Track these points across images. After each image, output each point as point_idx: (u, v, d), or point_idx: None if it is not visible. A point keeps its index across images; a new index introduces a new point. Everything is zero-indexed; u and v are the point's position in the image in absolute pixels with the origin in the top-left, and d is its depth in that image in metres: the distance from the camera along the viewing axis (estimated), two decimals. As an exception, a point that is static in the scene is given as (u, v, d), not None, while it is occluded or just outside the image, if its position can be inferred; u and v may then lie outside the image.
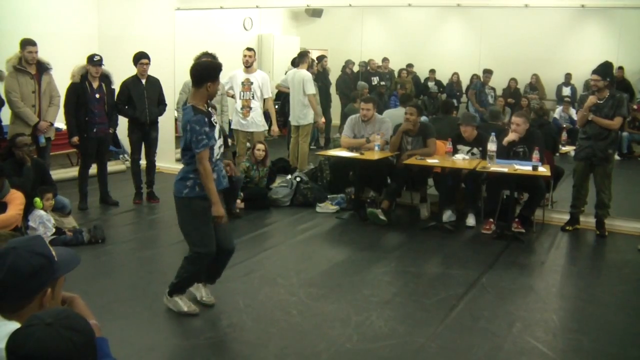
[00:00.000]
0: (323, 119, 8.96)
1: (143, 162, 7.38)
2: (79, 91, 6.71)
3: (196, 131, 3.92)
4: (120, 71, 7.26)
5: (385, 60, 12.86)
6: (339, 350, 3.77)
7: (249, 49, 7.95)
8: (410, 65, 13.34)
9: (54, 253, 1.88)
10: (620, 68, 11.40)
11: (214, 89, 4.07)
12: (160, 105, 7.31)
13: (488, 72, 11.59)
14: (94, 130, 6.83)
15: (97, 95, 6.81)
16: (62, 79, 6.93)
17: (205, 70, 4.10)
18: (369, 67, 12.63)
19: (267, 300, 4.54)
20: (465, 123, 6.83)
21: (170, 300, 4.29)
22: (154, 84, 7.23)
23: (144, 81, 7.12)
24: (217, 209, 4.02)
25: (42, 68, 6.74)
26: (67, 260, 1.94)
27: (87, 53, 6.91)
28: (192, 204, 4.07)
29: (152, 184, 7.45)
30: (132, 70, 7.14)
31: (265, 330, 4.08)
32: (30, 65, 6.61)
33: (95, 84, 6.80)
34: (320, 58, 11.46)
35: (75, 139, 6.82)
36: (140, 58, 7.06)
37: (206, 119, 4.00)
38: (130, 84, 7.08)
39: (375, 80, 11.93)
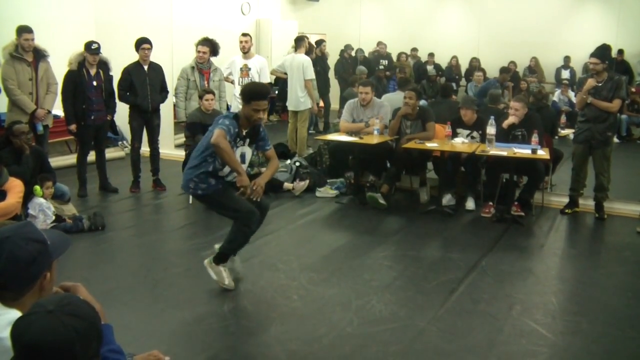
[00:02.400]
0: (322, 103, 8.93)
1: (144, 149, 7.34)
2: (76, 79, 6.66)
3: (223, 124, 4.08)
4: (118, 57, 7.20)
5: (380, 44, 12.83)
6: (339, 335, 3.79)
7: (244, 35, 7.90)
8: (414, 50, 13.30)
9: (46, 237, 1.88)
10: (620, 52, 11.37)
11: (246, 110, 4.18)
12: (163, 92, 7.24)
13: (505, 72, 11.34)
14: (92, 118, 6.79)
15: (95, 83, 6.77)
16: (59, 66, 6.89)
17: (245, 92, 4.27)
18: (377, 52, 12.63)
19: (268, 285, 4.56)
20: (466, 107, 6.81)
21: (215, 267, 4.38)
22: (157, 71, 7.14)
23: (146, 67, 7.03)
24: (240, 180, 4.12)
25: (39, 55, 6.69)
26: (59, 243, 1.93)
27: (83, 39, 6.85)
28: (207, 197, 4.32)
29: (157, 171, 7.38)
30: (130, 56, 7.08)
31: (266, 315, 4.10)
32: (26, 52, 6.56)
33: (92, 71, 6.75)
34: (319, 42, 11.42)
35: (73, 126, 6.79)
36: (142, 43, 6.97)
37: (237, 130, 4.16)
38: (132, 70, 6.99)
39: (384, 63, 11.93)
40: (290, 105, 8.70)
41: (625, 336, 3.87)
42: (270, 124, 8.55)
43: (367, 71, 10.96)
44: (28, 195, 5.58)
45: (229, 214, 4.40)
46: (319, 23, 13.57)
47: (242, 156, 4.34)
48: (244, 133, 4.27)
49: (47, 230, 2.00)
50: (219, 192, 4.31)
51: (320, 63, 10.81)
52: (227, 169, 4.25)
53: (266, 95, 4.23)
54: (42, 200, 5.64)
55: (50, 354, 1.45)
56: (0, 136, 6.13)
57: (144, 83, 6.99)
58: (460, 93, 11.82)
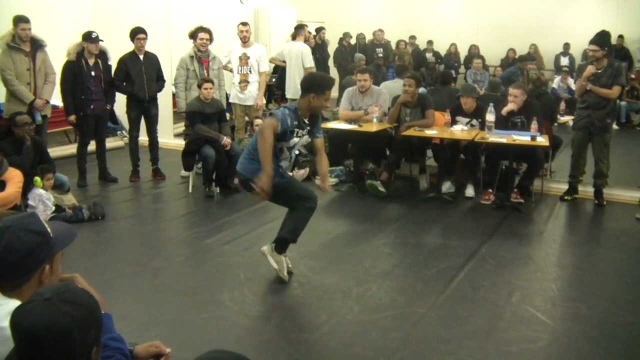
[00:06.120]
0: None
1: (142, 138, 7.34)
2: (75, 69, 6.64)
3: (279, 113, 4.03)
4: (116, 47, 7.17)
5: (380, 31, 12.81)
6: (340, 322, 3.81)
7: (243, 24, 7.86)
8: (413, 37, 13.27)
9: (49, 229, 1.87)
10: (621, 37, 11.34)
11: (317, 102, 4.12)
12: (159, 81, 7.23)
13: (526, 59, 11.28)
14: (91, 108, 6.79)
15: (93, 73, 6.75)
16: (56, 56, 6.87)
17: (311, 81, 4.20)
18: (375, 40, 12.60)
19: (268, 273, 4.55)
20: (466, 95, 6.79)
21: (277, 256, 4.35)
22: (152, 60, 7.14)
23: (141, 57, 7.03)
24: (261, 178, 3.98)
25: (37, 45, 6.65)
26: (63, 235, 1.93)
27: (81, 29, 6.82)
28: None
29: (156, 160, 7.40)
30: (128, 46, 7.06)
31: (266, 304, 4.11)
32: (24, 42, 6.53)
33: (91, 61, 6.73)
34: (319, 30, 11.38)
35: (73, 117, 6.78)
36: (137, 33, 6.97)
37: (296, 122, 4.11)
38: (128, 60, 6.99)
39: (380, 51, 11.90)
40: (289, 93, 8.68)
41: (624, 322, 3.88)
42: (268, 111, 8.52)
43: (365, 58, 10.94)
44: (27, 186, 5.58)
45: (292, 203, 4.35)
46: (317, 11, 13.52)
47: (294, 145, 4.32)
48: (305, 121, 4.22)
49: (54, 222, 1.99)
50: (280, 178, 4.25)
51: (319, 51, 10.79)
52: (284, 155, 4.24)
53: (333, 84, 4.29)
54: (41, 190, 5.63)
55: (49, 341, 1.45)
56: (0, 127, 6.12)
57: (139, 72, 6.99)
58: (459, 80, 11.82)
